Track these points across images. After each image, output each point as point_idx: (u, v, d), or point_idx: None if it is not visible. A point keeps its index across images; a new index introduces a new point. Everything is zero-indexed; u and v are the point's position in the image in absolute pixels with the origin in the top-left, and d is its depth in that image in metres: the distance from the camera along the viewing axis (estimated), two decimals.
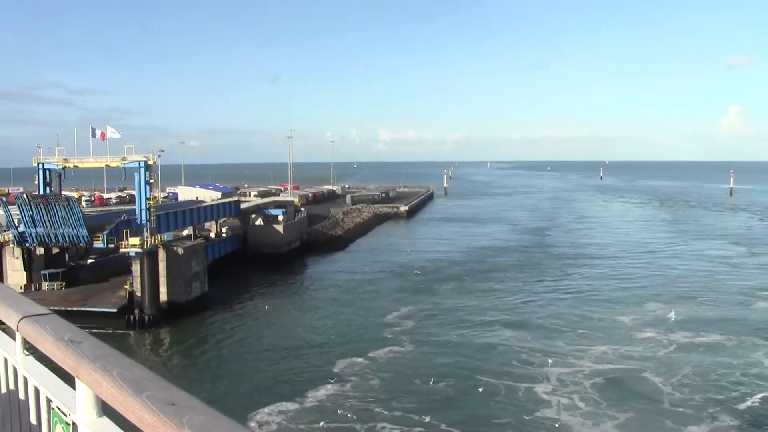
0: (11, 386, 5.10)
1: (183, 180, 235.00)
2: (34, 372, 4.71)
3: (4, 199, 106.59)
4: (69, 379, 3.96)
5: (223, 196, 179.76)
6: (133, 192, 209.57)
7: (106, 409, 3.70)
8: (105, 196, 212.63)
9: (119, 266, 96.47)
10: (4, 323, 4.94)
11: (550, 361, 66.20)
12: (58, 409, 4.17)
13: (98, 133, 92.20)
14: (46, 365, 4.64)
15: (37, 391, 4.58)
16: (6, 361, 5.16)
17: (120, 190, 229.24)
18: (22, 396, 4.88)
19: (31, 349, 4.75)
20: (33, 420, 4.65)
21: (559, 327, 78.96)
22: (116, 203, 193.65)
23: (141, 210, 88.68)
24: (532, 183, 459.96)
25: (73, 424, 3.95)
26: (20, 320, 4.56)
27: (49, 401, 4.38)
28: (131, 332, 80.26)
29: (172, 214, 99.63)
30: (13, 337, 4.94)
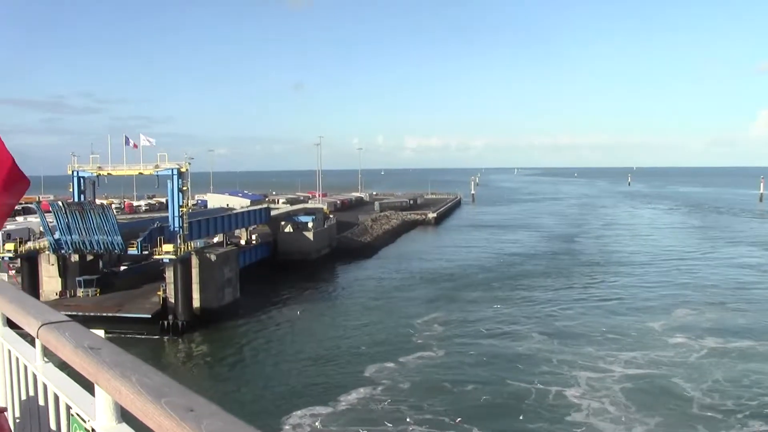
0: (31, 393, 5.18)
1: (211, 187, 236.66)
2: (53, 379, 4.77)
3: (34, 207, 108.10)
4: (88, 386, 4.01)
5: (252, 203, 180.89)
6: (162, 199, 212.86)
7: (125, 416, 3.75)
8: (134, 203, 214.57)
9: (151, 273, 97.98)
10: (23, 330, 4.99)
11: (579, 365, 66.53)
12: (78, 415, 4.24)
13: (131, 141, 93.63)
14: (65, 372, 4.67)
15: (56, 398, 4.64)
16: (26, 368, 5.22)
17: (149, 198, 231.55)
18: (42, 402, 4.94)
19: (50, 356, 4.79)
20: (53, 426, 4.71)
21: (588, 333, 79.27)
22: (146, 210, 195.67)
23: (174, 217, 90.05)
24: (559, 189, 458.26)
25: (93, 430, 4.03)
26: (40, 327, 4.55)
27: (68, 408, 4.44)
28: (165, 338, 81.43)
29: (204, 222, 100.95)
30: (33, 345, 5.00)
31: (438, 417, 54.77)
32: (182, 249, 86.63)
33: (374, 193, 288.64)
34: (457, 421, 53.87)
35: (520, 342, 76.29)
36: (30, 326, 4.70)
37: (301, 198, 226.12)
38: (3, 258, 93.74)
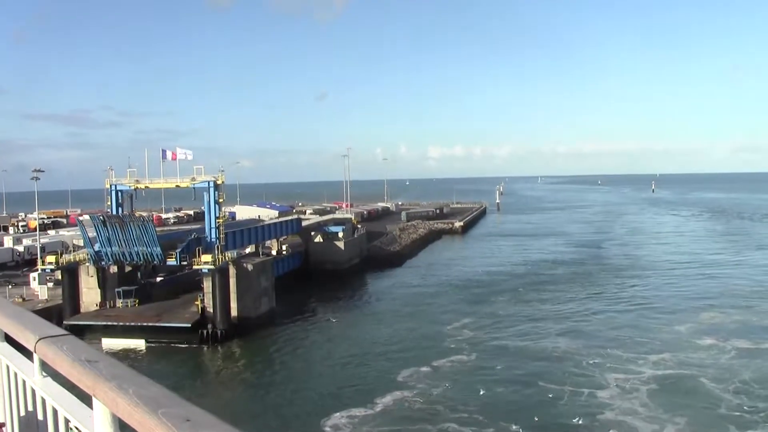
0: (30, 407, 5.21)
1: (238, 199, 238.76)
2: (52, 393, 4.77)
3: (62, 220, 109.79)
4: (86, 399, 4.05)
5: (280, 214, 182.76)
6: (190, 212, 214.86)
7: (123, 428, 3.73)
8: (163, 216, 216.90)
9: (187, 283, 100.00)
10: (21, 345, 5.06)
11: (609, 367, 68.02)
12: (76, 429, 4.28)
13: (169, 153, 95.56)
14: (64, 386, 4.69)
15: (55, 412, 4.65)
16: (25, 382, 5.23)
17: (176, 210, 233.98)
18: (40, 417, 4.97)
19: (48, 370, 4.81)
20: None
21: (616, 336, 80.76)
22: (174, 223, 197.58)
23: (211, 228, 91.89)
24: (583, 197, 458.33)
25: None
26: (37, 341, 4.60)
27: (67, 421, 4.46)
28: (204, 346, 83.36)
29: (239, 232, 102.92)
30: (31, 359, 5.00)
31: (473, 416, 56.42)
32: (220, 259, 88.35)
33: (400, 203, 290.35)
34: (491, 421, 55.19)
35: (550, 345, 77.88)
36: (28, 341, 4.77)
37: (328, 209, 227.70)
38: (45, 270, 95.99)
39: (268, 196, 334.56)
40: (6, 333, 5.58)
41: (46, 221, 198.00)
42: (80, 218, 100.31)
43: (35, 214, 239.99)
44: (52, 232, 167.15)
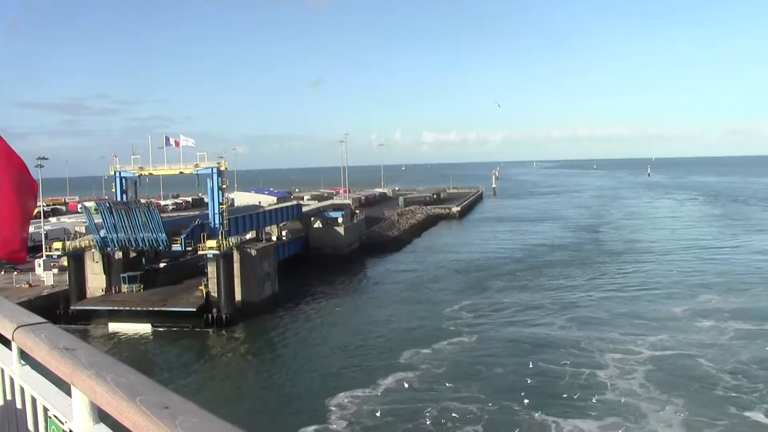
0: (8, 397, 5.15)
1: (236, 186, 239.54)
2: (30, 381, 4.74)
3: (61, 208, 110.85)
4: (65, 387, 4.02)
5: (278, 200, 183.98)
6: (188, 198, 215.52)
7: (102, 416, 3.74)
8: (162, 203, 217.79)
9: (189, 269, 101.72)
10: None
11: (607, 349, 69.30)
12: (55, 417, 4.24)
13: (172, 141, 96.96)
14: (42, 374, 4.67)
15: (34, 400, 4.62)
16: (2, 371, 5.20)
17: (174, 197, 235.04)
18: (19, 405, 4.92)
19: (27, 358, 4.79)
20: (30, 429, 4.68)
21: (613, 318, 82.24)
22: (173, 210, 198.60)
23: (214, 214, 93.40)
24: (579, 182, 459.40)
25: (70, 431, 4.05)
26: (15, 329, 4.59)
27: (45, 410, 4.42)
28: (209, 330, 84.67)
29: (241, 218, 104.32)
30: (9, 347, 4.99)
31: (474, 396, 57.79)
32: (224, 245, 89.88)
33: (396, 188, 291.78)
34: (492, 400, 56.61)
35: (548, 327, 79.41)
36: (5, 329, 4.76)
37: (326, 194, 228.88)
38: (52, 256, 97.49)
39: (265, 182, 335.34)
40: None
41: (45, 209, 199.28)
42: (85, 205, 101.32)
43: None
44: (53, 220, 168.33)
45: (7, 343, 4.96)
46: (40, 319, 4.74)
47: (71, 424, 3.97)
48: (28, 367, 4.92)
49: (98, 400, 3.45)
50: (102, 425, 3.85)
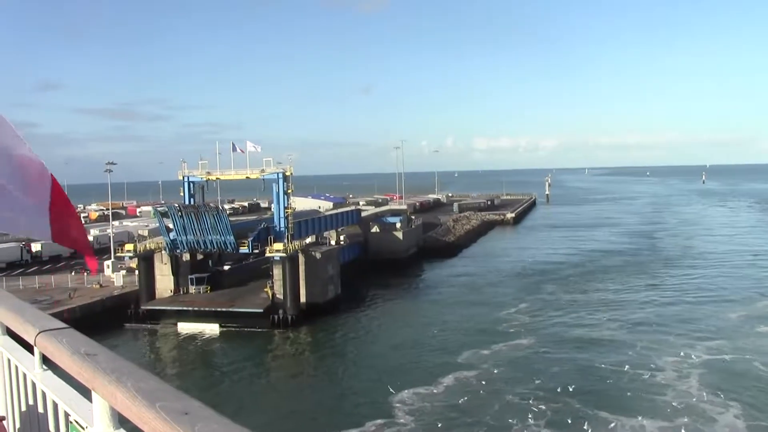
0: (30, 402, 5.17)
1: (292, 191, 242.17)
2: (52, 386, 4.77)
3: (120, 212, 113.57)
4: (86, 393, 4.05)
5: (335, 205, 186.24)
6: (245, 203, 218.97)
7: (122, 422, 3.74)
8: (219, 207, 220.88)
9: (253, 271, 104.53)
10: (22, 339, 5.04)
11: (665, 352, 70.26)
12: (76, 422, 4.27)
13: (238, 148, 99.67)
14: (64, 379, 4.66)
15: (55, 405, 4.66)
16: (25, 376, 5.22)
17: (230, 202, 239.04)
18: (41, 410, 4.94)
19: (48, 363, 4.78)
20: None
21: (670, 322, 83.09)
22: (230, 214, 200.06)
23: (280, 218, 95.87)
24: (632, 189, 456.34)
25: None
26: (38, 335, 4.59)
27: (67, 415, 4.46)
28: (275, 331, 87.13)
29: (304, 222, 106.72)
30: (32, 352, 4.99)
31: (534, 395, 59.27)
32: (290, 248, 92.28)
33: (450, 194, 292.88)
34: (552, 400, 58.07)
35: (605, 330, 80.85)
36: (28, 334, 4.75)
37: (380, 200, 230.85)
38: (122, 258, 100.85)
39: (319, 188, 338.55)
40: (8, 327, 5.58)
41: (105, 212, 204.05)
42: (157, 209, 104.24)
43: (94, 206, 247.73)
44: (116, 223, 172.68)
45: (29, 348, 4.97)
46: (62, 324, 4.73)
47: (92, 429, 4.05)
48: (50, 372, 4.98)
49: (118, 405, 3.49)
50: (122, 431, 3.92)
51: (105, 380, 3.60)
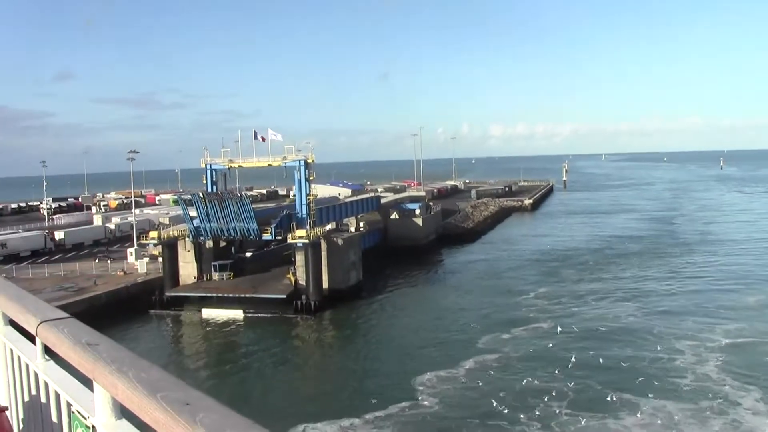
0: (33, 391, 5.15)
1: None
2: (54, 376, 4.76)
3: (140, 200, 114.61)
4: (88, 383, 4.04)
5: (353, 192, 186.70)
6: (263, 191, 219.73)
7: (124, 412, 3.73)
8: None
9: (274, 258, 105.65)
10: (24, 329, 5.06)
11: (684, 336, 70.97)
12: (78, 412, 4.25)
13: (259, 136, 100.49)
14: (66, 369, 4.66)
15: (57, 395, 4.64)
16: (27, 366, 5.21)
17: (248, 189, 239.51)
18: (43, 400, 4.92)
19: (50, 353, 4.76)
20: (55, 423, 4.71)
21: (688, 307, 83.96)
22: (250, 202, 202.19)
23: (302, 205, 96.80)
24: (649, 174, 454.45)
25: (93, 427, 4.05)
26: (39, 325, 4.57)
27: (69, 405, 4.43)
28: (298, 317, 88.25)
29: (325, 209, 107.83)
30: (34, 342, 4.99)
31: (554, 378, 60.13)
32: (312, 234, 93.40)
33: (467, 181, 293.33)
34: (571, 380, 58.82)
35: (624, 314, 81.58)
36: (29, 324, 4.75)
37: (398, 187, 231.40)
38: (146, 245, 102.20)
39: (337, 175, 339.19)
40: (10, 317, 5.58)
41: (125, 201, 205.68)
42: (183, 197, 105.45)
43: (113, 194, 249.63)
44: (137, 211, 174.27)
45: (31, 338, 4.97)
46: (64, 314, 4.72)
47: (94, 419, 4.04)
48: (52, 362, 4.94)
49: (119, 396, 3.49)
50: (124, 421, 3.91)
51: (106, 370, 3.64)
